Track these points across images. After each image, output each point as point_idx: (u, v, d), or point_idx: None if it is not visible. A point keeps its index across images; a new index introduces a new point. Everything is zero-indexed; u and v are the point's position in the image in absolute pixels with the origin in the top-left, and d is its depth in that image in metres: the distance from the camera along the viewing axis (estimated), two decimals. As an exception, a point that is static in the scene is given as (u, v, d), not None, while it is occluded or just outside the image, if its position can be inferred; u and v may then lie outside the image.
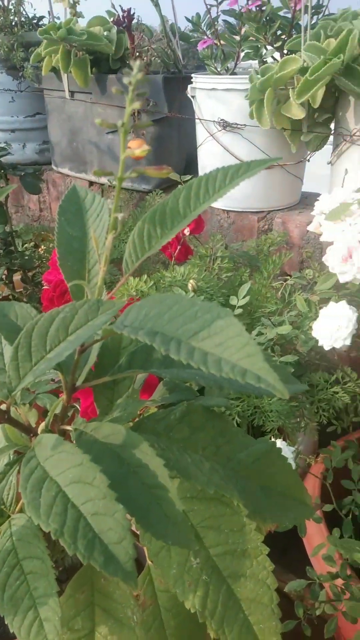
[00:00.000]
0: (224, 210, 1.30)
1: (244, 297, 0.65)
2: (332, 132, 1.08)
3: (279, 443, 0.64)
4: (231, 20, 1.17)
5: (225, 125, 1.17)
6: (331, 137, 1.11)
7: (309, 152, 1.20)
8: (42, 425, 0.36)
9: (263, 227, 1.27)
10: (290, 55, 1.00)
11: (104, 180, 1.51)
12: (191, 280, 0.61)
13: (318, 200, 0.60)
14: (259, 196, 1.25)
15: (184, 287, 0.62)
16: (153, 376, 0.48)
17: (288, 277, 0.72)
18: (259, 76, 1.04)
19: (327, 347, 0.56)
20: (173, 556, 0.35)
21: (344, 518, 0.66)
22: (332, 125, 1.11)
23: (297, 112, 1.01)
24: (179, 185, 0.35)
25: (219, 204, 1.30)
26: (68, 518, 0.26)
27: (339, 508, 0.67)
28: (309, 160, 1.23)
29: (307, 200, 1.35)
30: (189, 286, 0.61)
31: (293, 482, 0.40)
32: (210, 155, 1.25)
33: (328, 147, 1.15)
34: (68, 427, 0.33)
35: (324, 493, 0.70)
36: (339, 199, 0.58)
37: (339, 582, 0.62)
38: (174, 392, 0.42)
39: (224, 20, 1.17)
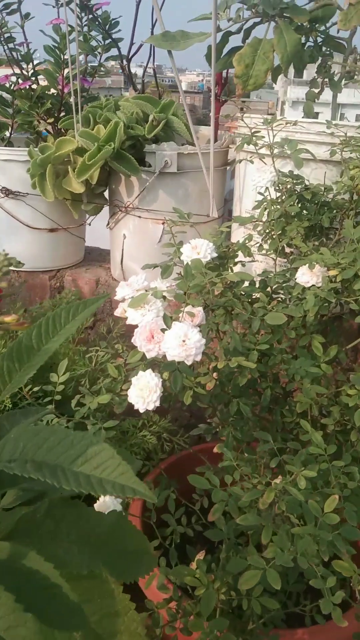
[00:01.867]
0: (13, 270, 1.33)
1: (63, 373, 0.72)
2: (109, 203, 1.22)
3: (108, 500, 0.72)
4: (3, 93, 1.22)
5: (8, 192, 1.21)
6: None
7: (88, 216, 1.32)
8: None
9: (55, 285, 1.34)
10: (66, 137, 1.10)
11: None
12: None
13: (118, 288, 0.71)
14: (47, 256, 1.32)
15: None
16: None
17: (98, 348, 0.81)
18: (38, 152, 1.12)
19: (141, 410, 0.67)
20: (57, 637, 0.40)
21: (168, 548, 0.77)
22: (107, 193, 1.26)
23: (77, 187, 1.12)
24: None
25: (8, 265, 1.32)
26: (-15, 638, 0.31)
27: (163, 540, 0.78)
28: (89, 224, 1.35)
29: (90, 256, 1.47)
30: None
31: (139, 538, 0.50)
32: (-6, 219, 1.27)
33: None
34: None
35: (146, 528, 0.80)
36: (135, 287, 0.70)
37: (173, 604, 0.73)
38: (25, 492, 0.48)
39: (-5, 94, 1.22)
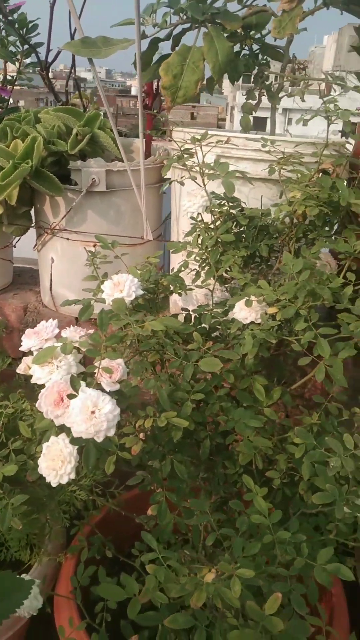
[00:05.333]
0: None
1: None
2: (33, 224, 1.11)
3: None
4: None
5: None
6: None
7: (14, 237, 1.20)
8: None
9: (-22, 314, 1.21)
10: (-21, 153, 0.98)
11: None
12: None
13: (24, 338, 0.61)
14: (-32, 282, 1.19)
15: None
16: None
17: (7, 403, 0.70)
18: None
19: (54, 484, 0.57)
20: None
21: (97, 628, 0.67)
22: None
23: (-6, 208, 1.00)
24: None
25: None
26: None
27: (92, 619, 0.68)
28: (14, 246, 1.23)
29: (20, 279, 1.35)
30: None
31: None
32: None
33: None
34: None
35: (80, 610, 0.70)
36: (43, 336, 0.60)
37: None
38: None
39: None
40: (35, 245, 1.15)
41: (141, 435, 0.61)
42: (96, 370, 0.55)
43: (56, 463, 0.56)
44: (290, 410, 0.98)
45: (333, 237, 0.75)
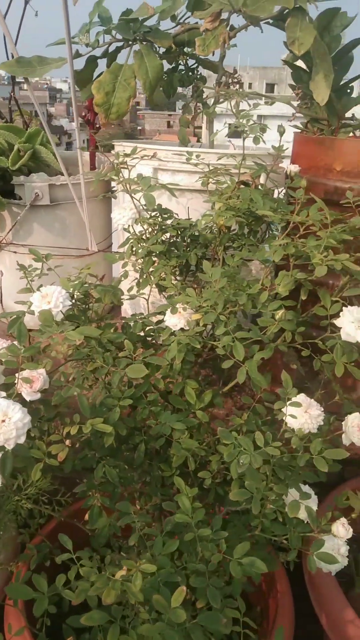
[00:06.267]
0: None
1: None
2: (-19, 238, 1.12)
3: None
4: None
5: None
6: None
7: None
8: None
9: None
10: None
11: None
12: None
13: None
14: None
15: None
16: None
17: None
18: None
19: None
20: None
21: (37, 633, 0.69)
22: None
23: None
24: None
25: None
26: None
27: (33, 625, 0.70)
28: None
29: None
30: None
31: None
32: None
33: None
34: None
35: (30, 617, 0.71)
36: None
37: None
38: None
39: None
40: (-14, 259, 1.17)
41: (67, 442, 0.63)
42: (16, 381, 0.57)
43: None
44: (238, 412, 1.01)
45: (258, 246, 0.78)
